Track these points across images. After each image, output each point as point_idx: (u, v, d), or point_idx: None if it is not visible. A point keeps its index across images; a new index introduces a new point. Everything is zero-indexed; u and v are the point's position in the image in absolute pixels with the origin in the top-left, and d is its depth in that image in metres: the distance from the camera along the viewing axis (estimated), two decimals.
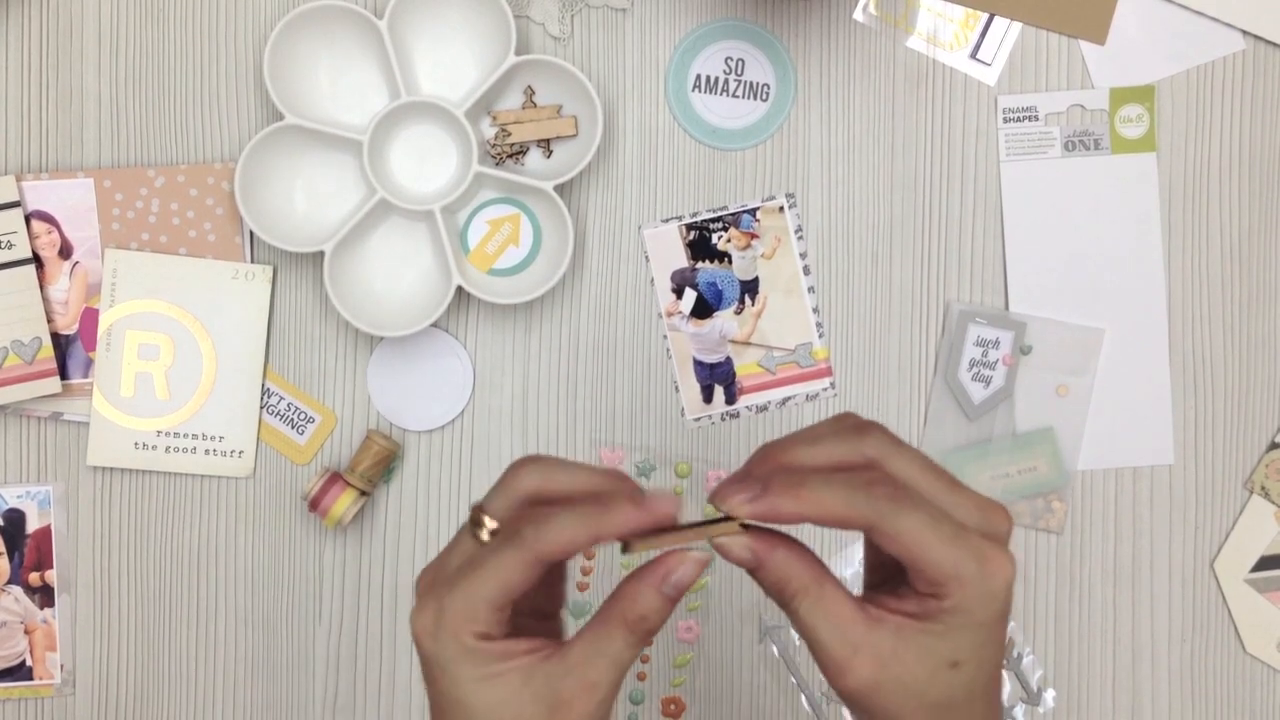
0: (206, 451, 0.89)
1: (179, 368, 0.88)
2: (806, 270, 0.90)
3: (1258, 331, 0.90)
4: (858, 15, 0.90)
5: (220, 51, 0.90)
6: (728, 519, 0.52)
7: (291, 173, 0.87)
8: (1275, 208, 0.91)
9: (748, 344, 0.90)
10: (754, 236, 0.89)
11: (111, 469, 0.89)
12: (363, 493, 0.87)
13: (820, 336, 0.90)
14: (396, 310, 0.87)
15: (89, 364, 0.88)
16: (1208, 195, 0.90)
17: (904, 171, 0.90)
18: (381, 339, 0.89)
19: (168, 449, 0.88)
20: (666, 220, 0.90)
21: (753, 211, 0.89)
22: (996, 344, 0.89)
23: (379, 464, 0.87)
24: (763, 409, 0.90)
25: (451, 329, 0.90)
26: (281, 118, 0.85)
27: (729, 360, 0.90)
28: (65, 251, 0.87)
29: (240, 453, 0.89)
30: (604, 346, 0.90)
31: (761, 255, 0.90)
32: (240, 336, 0.88)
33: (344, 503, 0.86)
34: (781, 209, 0.89)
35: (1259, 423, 0.90)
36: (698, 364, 0.90)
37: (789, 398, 0.90)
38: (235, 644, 0.90)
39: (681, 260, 0.90)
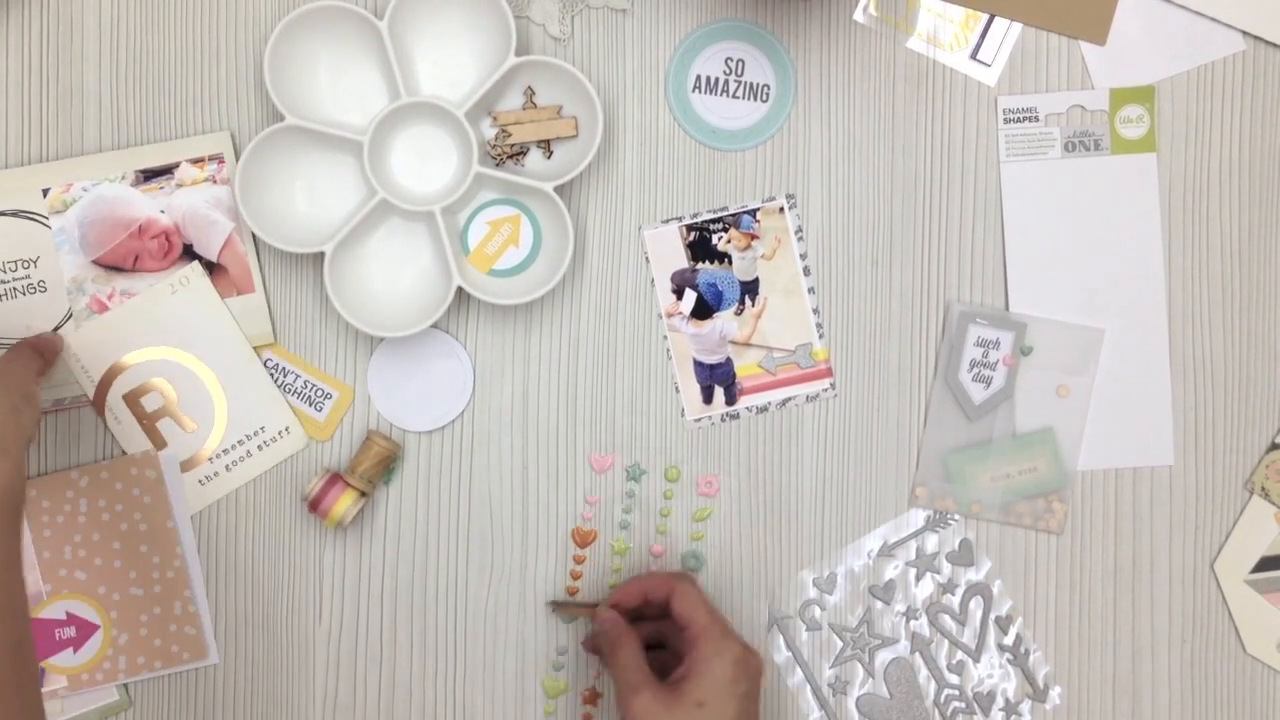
0: (260, 447, 0.89)
1: (187, 396, 0.88)
2: (806, 271, 0.90)
3: (1258, 332, 0.90)
4: (858, 16, 0.90)
5: (220, 51, 0.90)
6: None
7: (291, 173, 0.87)
8: (1275, 208, 0.91)
9: (748, 345, 0.90)
10: (754, 237, 0.89)
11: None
12: (363, 493, 0.87)
13: (820, 337, 0.90)
14: (397, 311, 0.87)
15: (41, 673, 0.86)
16: (1208, 196, 0.90)
17: (904, 172, 0.90)
18: (382, 340, 0.89)
19: (228, 467, 0.89)
20: (667, 221, 0.90)
21: (753, 212, 0.89)
22: (997, 344, 0.89)
23: (379, 464, 0.87)
24: (763, 410, 0.90)
25: (451, 330, 0.90)
26: (282, 118, 0.85)
27: (729, 361, 0.90)
28: None
29: (286, 429, 0.89)
30: (604, 347, 0.90)
31: (762, 256, 0.90)
32: (214, 336, 0.88)
33: (344, 503, 0.86)
34: (781, 210, 0.90)
35: (1259, 423, 0.90)
36: (698, 365, 0.90)
37: (789, 398, 0.90)
38: (235, 644, 0.90)
39: (682, 261, 0.90)
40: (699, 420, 0.90)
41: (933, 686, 0.90)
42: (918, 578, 0.90)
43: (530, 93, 0.88)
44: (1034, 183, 0.90)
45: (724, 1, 0.90)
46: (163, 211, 0.87)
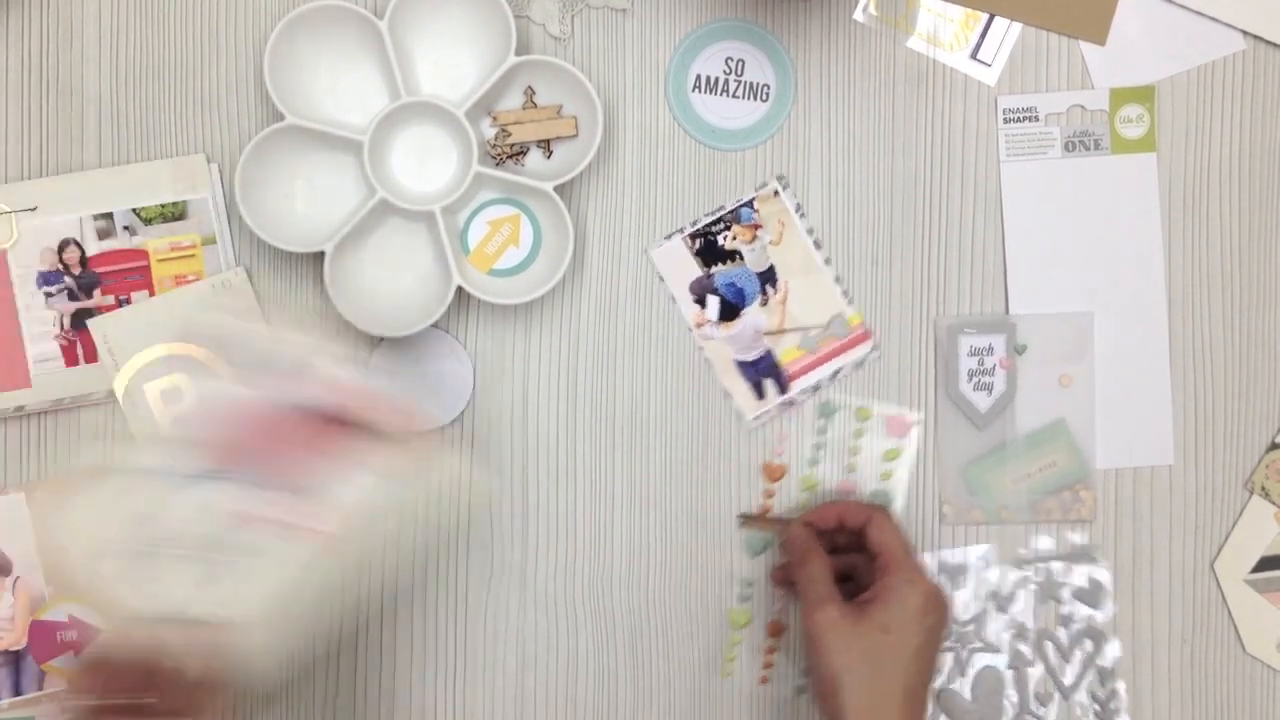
0: None
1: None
2: (818, 244, 0.89)
3: (1258, 331, 0.90)
4: (858, 15, 0.90)
5: (220, 51, 0.90)
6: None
7: (291, 173, 0.87)
8: (1276, 208, 0.91)
9: (782, 331, 0.89)
10: (757, 227, 0.89)
11: None
12: None
13: (850, 303, 0.90)
14: (397, 311, 0.87)
15: (42, 676, 0.87)
16: (1208, 196, 0.90)
17: (904, 172, 0.90)
18: (382, 340, 0.89)
19: None
20: (669, 236, 0.89)
21: (750, 203, 0.89)
22: (990, 350, 0.89)
23: None
24: (816, 389, 0.90)
25: (452, 330, 0.90)
26: (282, 118, 0.85)
27: (769, 352, 0.89)
28: (5, 569, 0.87)
29: None
30: (604, 347, 0.90)
31: (770, 243, 0.89)
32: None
33: None
34: (776, 193, 0.89)
35: (1259, 423, 0.90)
36: (740, 364, 0.89)
37: (838, 370, 0.90)
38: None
39: (695, 269, 0.89)
40: (758, 417, 0.90)
41: (1014, 708, 0.89)
42: (1040, 599, 0.90)
43: (530, 92, 0.88)
44: (1034, 182, 0.90)
45: (724, 1, 0.90)
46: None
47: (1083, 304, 0.90)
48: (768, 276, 0.89)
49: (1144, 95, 0.90)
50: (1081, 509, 0.90)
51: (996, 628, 0.89)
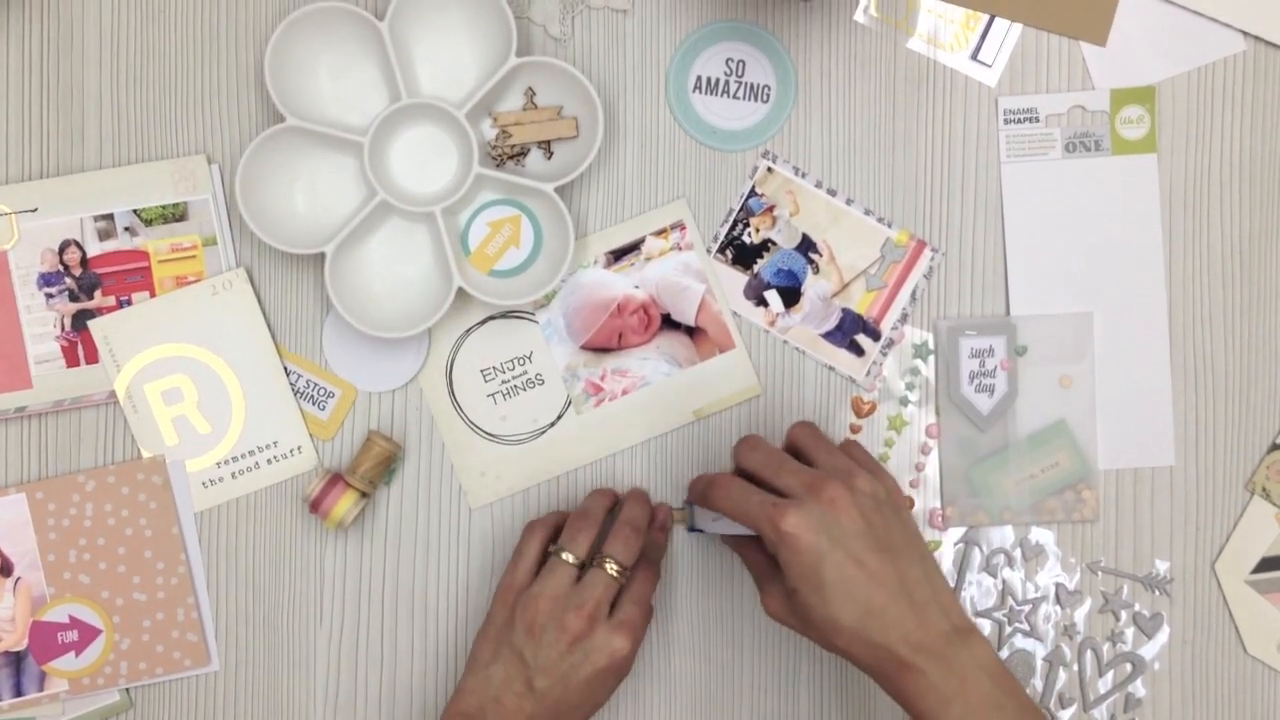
0: (269, 461, 0.89)
1: (207, 398, 0.88)
2: (831, 192, 0.89)
3: (1258, 332, 0.91)
4: (858, 17, 0.90)
5: (220, 52, 0.90)
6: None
7: (292, 174, 0.87)
8: (1276, 209, 0.91)
9: (846, 285, 0.89)
10: (772, 208, 0.89)
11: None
12: (364, 494, 0.87)
13: (890, 226, 0.89)
14: (397, 312, 0.87)
15: (42, 677, 0.88)
16: (1208, 196, 0.90)
17: (904, 173, 0.90)
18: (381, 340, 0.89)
19: (234, 475, 0.89)
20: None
21: (753, 192, 0.89)
22: (991, 351, 0.89)
23: (380, 465, 0.87)
24: (904, 319, 0.90)
25: None
26: (282, 119, 0.85)
27: (845, 311, 0.90)
28: (6, 569, 0.87)
29: (299, 448, 0.89)
30: None
31: (790, 216, 0.89)
32: (247, 344, 0.89)
33: (345, 504, 0.86)
34: (770, 169, 0.89)
35: (1260, 424, 0.90)
36: (827, 335, 0.90)
37: (914, 291, 0.90)
38: (236, 645, 0.90)
39: (740, 277, 0.89)
40: (869, 373, 0.90)
41: (1032, 697, 0.89)
42: (1099, 609, 0.90)
43: (531, 93, 0.88)
44: (1034, 183, 0.90)
45: (724, 2, 0.90)
46: (637, 287, 0.89)
47: (1083, 305, 0.90)
48: (806, 246, 0.89)
49: (1144, 96, 0.90)
50: (1084, 509, 0.90)
51: (1050, 619, 0.90)
